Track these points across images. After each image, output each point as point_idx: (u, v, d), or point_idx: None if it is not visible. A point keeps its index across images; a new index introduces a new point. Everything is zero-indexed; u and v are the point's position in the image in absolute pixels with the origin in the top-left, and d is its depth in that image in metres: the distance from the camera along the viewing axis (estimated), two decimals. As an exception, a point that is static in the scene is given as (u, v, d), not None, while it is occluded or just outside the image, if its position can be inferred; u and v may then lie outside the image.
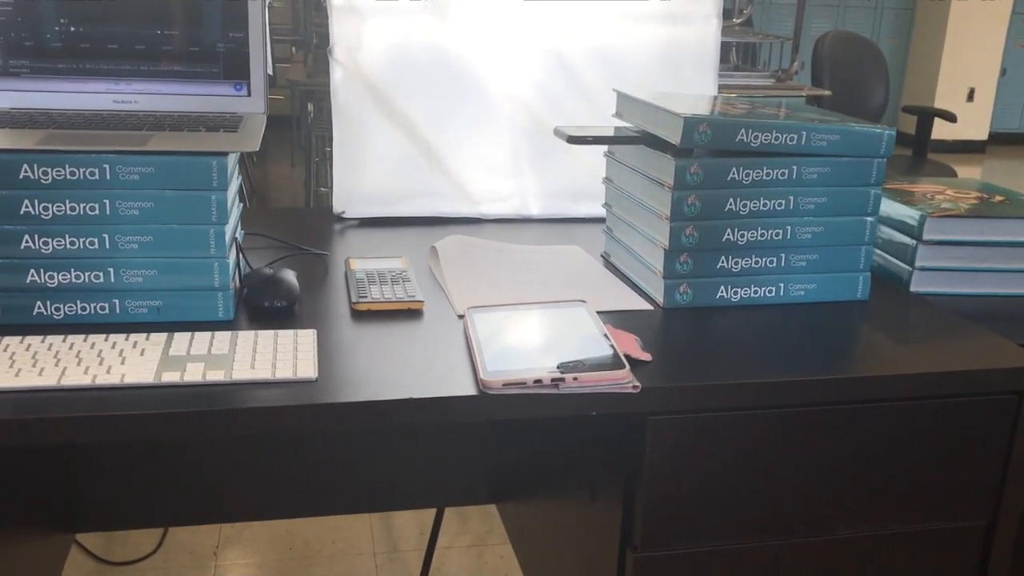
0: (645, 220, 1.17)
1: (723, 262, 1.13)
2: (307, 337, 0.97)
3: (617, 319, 1.08)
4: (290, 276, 1.10)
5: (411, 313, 1.08)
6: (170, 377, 0.87)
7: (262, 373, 0.89)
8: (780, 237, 1.13)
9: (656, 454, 0.94)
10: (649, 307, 1.12)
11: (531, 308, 1.05)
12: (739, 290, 1.14)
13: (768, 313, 1.12)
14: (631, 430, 0.96)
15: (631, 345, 0.98)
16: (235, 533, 1.99)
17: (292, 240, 1.34)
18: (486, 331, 0.98)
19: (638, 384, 0.89)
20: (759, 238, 1.12)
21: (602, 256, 1.33)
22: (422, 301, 1.09)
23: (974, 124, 7.09)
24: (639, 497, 0.96)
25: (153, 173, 0.99)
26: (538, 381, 0.88)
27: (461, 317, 1.07)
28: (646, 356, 0.96)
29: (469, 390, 0.88)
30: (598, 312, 1.05)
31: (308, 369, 0.90)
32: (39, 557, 1.41)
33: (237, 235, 1.14)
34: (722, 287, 1.13)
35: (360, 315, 1.07)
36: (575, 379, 0.88)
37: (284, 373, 0.89)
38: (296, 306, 1.08)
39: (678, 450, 0.94)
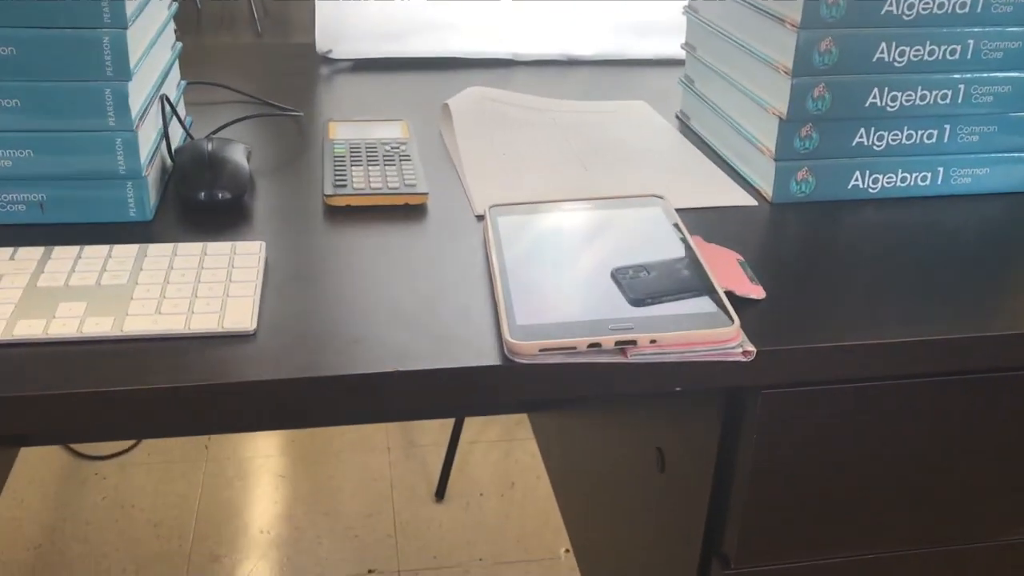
0: (749, 71, 0.82)
1: (862, 137, 0.78)
2: (249, 254, 0.65)
3: (705, 221, 0.74)
4: (237, 154, 0.77)
5: (409, 211, 0.75)
6: (27, 330, 0.57)
7: (169, 323, 0.58)
8: (947, 100, 0.77)
9: (768, 440, 0.63)
10: (751, 201, 0.79)
11: (581, 208, 0.72)
12: (881, 177, 0.79)
13: (919, 210, 0.78)
14: (728, 404, 0.65)
15: (734, 273, 0.65)
16: (232, 419, 1.75)
17: (256, 93, 1.00)
18: (515, 251, 0.66)
19: (751, 348, 0.57)
20: (917, 101, 0.77)
21: (678, 118, 0.98)
22: (425, 194, 0.76)
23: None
24: (735, 494, 0.66)
25: (14, 5, 0.65)
26: (595, 346, 0.56)
27: (480, 219, 0.74)
28: (757, 291, 0.63)
29: (490, 356, 0.57)
30: (678, 210, 0.72)
31: (242, 316, 0.58)
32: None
33: (168, 91, 0.81)
34: (857, 173, 0.79)
35: (336, 213, 0.75)
36: (653, 342, 0.56)
37: (204, 323, 0.58)
38: (246, 197, 0.76)
39: (800, 435, 0.63)
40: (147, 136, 0.73)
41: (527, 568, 1.45)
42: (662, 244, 0.66)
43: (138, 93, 0.71)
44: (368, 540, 1.49)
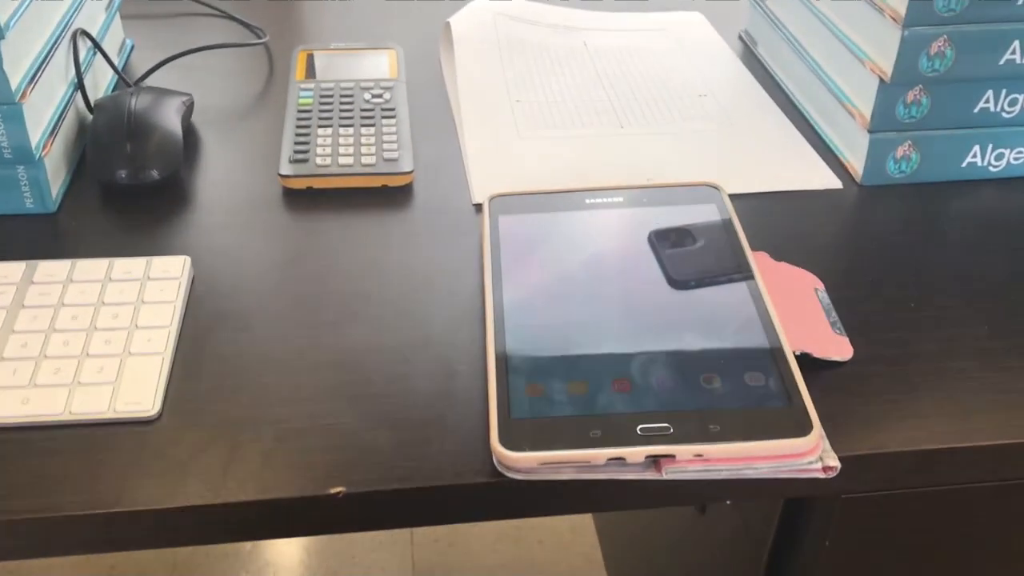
0: (844, 8, 0.62)
1: (988, 101, 0.58)
2: (168, 278, 0.49)
3: (772, 212, 0.57)
4: (169, 113, 0.60)
5: (389, 197, 0.58)
6: None
7: (43, 404, 0.43)
8: (1109, 51, 0.57)
9: (842, 549, 0.48)
10: (833, 182, 0.60)
11: (608, 205, 0.54)
12: (1007, 152, 0.60)
13: (1056, 197, 0.59)
14: (791, 511, 0.50)
15: (812, 317, 0.48)
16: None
17: (219, 4, 0.81)
18: (518, 278, 0.49)
19: (834, 464, 0.41)
20: (1069, 55, 0.57)
21: (741, 39, 0.78)
22: (409, 172, 0.59)
23: None
24: (795, 591, 0.51)
25: None
26: (617, 460, 0.40)
27: (479, 209, 0.57)
28: (842, 349, 0.47)
29: (476, 459, 0.41)
30: (734, 195, 0.55)
31: (141, 391, 0.43)
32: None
33: (91, 21, 0.63)
34: (976, 147, 0.60)
35: (297, 199, 0.58)
36: (698, 456, 0.40)
37: (89, 404, 0.43)
38: (181, 171, 0.60)
39: (890, 543, 0.48)
40: (48, 97, 0.56)
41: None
42: (711, 272, 0.49)
43: (24, 46, 0.54)
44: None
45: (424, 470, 0.41)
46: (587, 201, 0.55)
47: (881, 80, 0.56)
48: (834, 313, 0.49)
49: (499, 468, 0.40)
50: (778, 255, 0.53)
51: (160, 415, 0.43)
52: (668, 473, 0.40)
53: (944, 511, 0.47)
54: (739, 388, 0.42)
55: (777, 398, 0.42)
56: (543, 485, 0.41)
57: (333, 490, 0.40)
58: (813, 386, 0.43)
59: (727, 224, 0.52)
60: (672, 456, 0.40)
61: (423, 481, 0.40)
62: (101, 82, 0.66)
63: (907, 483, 0.44)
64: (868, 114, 0.58)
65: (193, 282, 0.51)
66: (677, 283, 0.49)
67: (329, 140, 0.60)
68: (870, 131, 0.58)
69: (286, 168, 0.58)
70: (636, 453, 0.40)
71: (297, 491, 0.40)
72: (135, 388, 0.43)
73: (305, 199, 0.58)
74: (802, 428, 0.40)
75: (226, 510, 0.39)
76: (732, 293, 0.48)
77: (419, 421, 0.43)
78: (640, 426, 0.41)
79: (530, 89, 0.69)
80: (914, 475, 0.43)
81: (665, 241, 0.51)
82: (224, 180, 0.59)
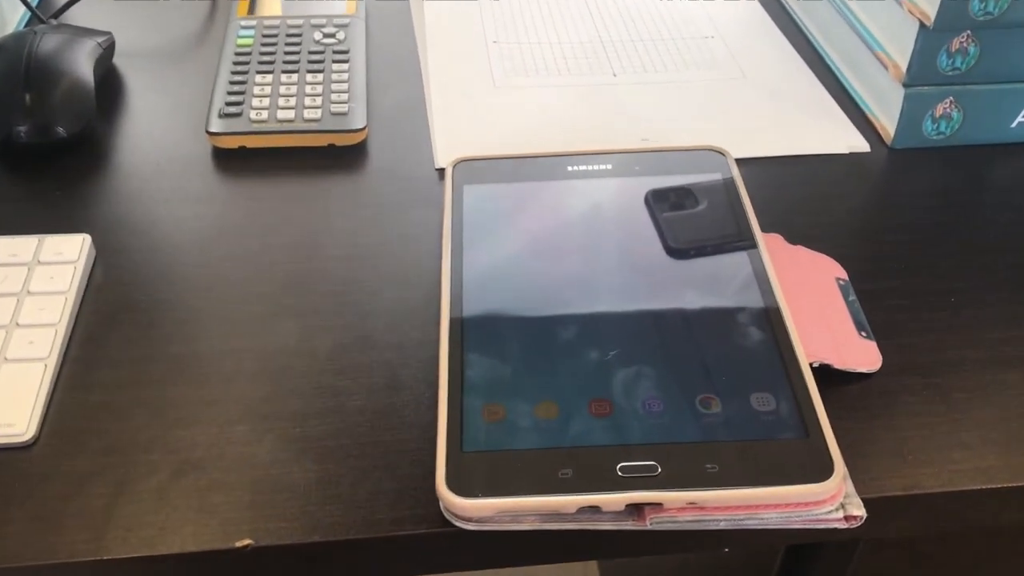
0: (873, -69, 0.52)
1: (1047, 49, 0.49)
2: (61, 262, 0.41)
3: (786, 180, 0.48)
4: (80, 56, 0.51)
5: (337, 157, 0.50)
6: None
7: None
8: None
9: (862, 588, 0.41)
10: (860, 145, 0.52)
11: (594, 173, 0.46)
12: (1065, 109, 0.51)
13: (1120, 163, 0.51)
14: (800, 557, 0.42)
15: (833, 317, 0.40)
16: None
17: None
18: (480, 266, 0.41)
19: (858, 513, 0.33)
20: None
21: (753, -27, 0.68)
22: (361, 129, 0.50)
23: None
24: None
25: None
26: (591, 508, 0.33)
27: (441, 175, 0.49)
28: (869, 358, 0.39)
29: (421, 500, 0.34)
30: (743, 160, 0.46)
31: (15, 409, 0.36)
32: None
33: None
34: (1030, 104, 0.51)
35: (228, 159, 0.49)
36: (692, 504, 0.33)
37: (-51, 426, 0.35)
38: (93, 127, 0.51)
39: None
40: (-71, 37, 0.47)
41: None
42: (713, 261, 0.41)
43: None
44: None
45: (354, 517, 0.33)
46: (569, 168, 0.46)
47: (922, 24, 0.47)
48: (860, 310, 0.41)
49: (447, 516, 0.33)
50: (793, 236, 0.44)
51: (36, 439, 0.35)
52: (653, 523, 0.33)
53: (989, 556, 0.40)
54: (743, 414, 0.34)
55: (790, 428, 0.34)
56: (502, 535, 0.33)
57: (239, 544, 0.32)
58: (829, 404, 0.35)
59: (734, 200, 0.44)
60: (659, 504, 0.32)
61: (352, 531, 0.33)
62: (11, 18, 0.57)
63: (947, 525, 0.36)
64: (904, 64, 0.49)
65: (95, 266, 0.42)
66: (673, 276, 0.40)
67: (268, 90, 0.51)
68: (905, 85, 0.49)
69: (215, 124, 0.49)
70: (614, 501, 0.32)
71: (195, 543, 0.32)
72: (7, 405, 0.35)
73: (237, 161, 0.49)
74: (821, 470, 0.33)
75: (105, 569, 0.32)
76: (738, 290, 0.39)
77: (352, 450, 0.35)
78: (620, 464, 0.33)
79: (510, 28, 0.60)
80: (955, 519, 0.36)
81: (659, 223, 0.43)
82: (145, 137, 0.51)
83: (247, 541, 0.32)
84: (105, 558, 0.32)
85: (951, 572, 0.43)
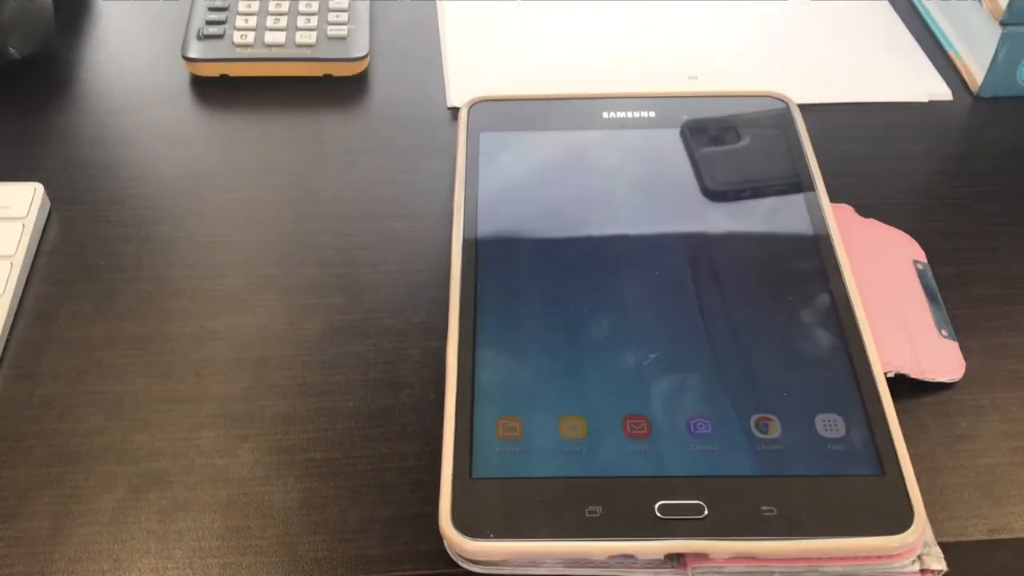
0: None
1: None
2: (9, 218, 0.35)
3: (854, 133, 0.42)
4: (33, -35, 0.43)
5: (334, 90, 0.43)
6: None
7: None
8: None
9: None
10: (942, 92, 0.44)
11: (633, 120, 0.39)
12: None
13: None
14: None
15: (909, 310, 0.34)
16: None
17: None
18: (498, 233, 0.35)
19: (938, 567, 0.28)
20: None
21: None
22: (363, 58, 0.43)
23: None
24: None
25: None
26: (626, 557, 0.27)
27: (454, 116, 0.42)
28: (952, 365, 0.33)
29: (423, 532, 0.29)
30: (807, 108, 0.39)
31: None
32: None
33: None
34: None
35: (208, 88, 0.43)
36: (744, 555, 0.27)
37: None
38: (52, 48, 0.44)
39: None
40: None
41: None
42: (773, 241, 0.35)
43: None
44: None
45: (342, 552, 0.28)
46: (604, 116, 0.39)
47: (1031, -48, 0.40)
48: (941, 303, 0.35)
49: (452, 557, 0.28)
50: (864, 206, 0.38)
51: (-30, 445, 0.30)
52: (696, 574, 0.28)
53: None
54: (807, 441, 0.29)
55: (863, 462, 0.28)
56: (515, 578, 0.28)
57: (203, 586, 0.27)
58: (900, 423, 0.29)
59: (799, 163, 0.37)
60: (705, 556, 0.27)
61: (340, 570, 0.28)
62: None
63: (1031, 568, 0.31)
64: (1004, 0, 0.41)
65: (48, 223, 0.36)
66: (724, 261, 0.34)
67: (256, 7, 0.44)
68: (1003, 23, 0.42)
69: (193, 48, 0.42)
70: (652, 549, 0.27)
71: (152, 582, 0.27)
72: (-64, 401, 0.30)
73: (218, 92, 0.42)
74: (899, 518, 0.27)
75: (47, 611, 0.27)
76: (802, 280, 0.33)
77: (342, 465, 0.30)
78: (660, 503, 0.27)
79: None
80: (1046, 565, 0.31)
81: (711, 194, 0.36)
82: (111, 63, 0.44)
83: (214, 583, 0.27)
84: (46, 598, 0.27)
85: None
